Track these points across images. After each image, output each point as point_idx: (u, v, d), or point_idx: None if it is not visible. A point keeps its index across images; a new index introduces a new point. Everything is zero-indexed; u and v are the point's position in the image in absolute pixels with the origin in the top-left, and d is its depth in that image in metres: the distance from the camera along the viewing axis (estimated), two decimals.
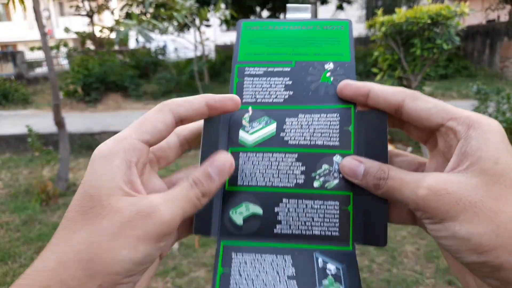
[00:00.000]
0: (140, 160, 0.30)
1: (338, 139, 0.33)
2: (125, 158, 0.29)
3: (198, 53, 10.66)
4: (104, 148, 0.29)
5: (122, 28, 3.03)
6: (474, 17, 11.25)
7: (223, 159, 0.32)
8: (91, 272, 0.25)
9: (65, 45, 13.84)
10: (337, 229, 0.32)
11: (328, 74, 0.35)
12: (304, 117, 0.34)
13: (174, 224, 0.28)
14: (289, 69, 0.36)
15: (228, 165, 0.32)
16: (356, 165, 0.32)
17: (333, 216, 0.32)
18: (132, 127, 0.31)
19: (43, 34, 3.42)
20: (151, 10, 3.85)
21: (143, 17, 3.31)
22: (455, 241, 0.26)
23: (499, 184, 0.26)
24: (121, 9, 9.05)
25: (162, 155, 0.35)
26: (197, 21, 3.82)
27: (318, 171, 0.33)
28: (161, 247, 0.28)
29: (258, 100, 0.35)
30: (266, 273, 0.31)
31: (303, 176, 0.33)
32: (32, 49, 14.46)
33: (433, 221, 0.27)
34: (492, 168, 0.26)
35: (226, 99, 0.33)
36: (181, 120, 0.32)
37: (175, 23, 3.67)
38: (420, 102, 0.31)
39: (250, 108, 0.35)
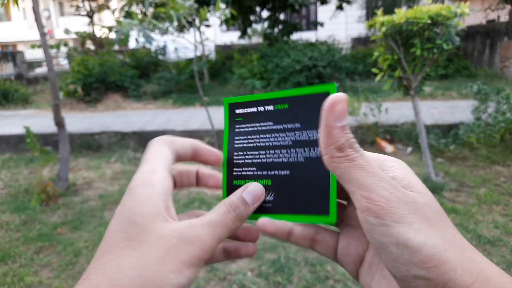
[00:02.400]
0: (170, 189, 0.33)
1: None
2: (165, 186, 0.32)
3: (198, 53, 10.66)
4: (143, 177, 0.32)
5: (123, 28, 3.01)
6: (474, 17, 11.25)
7: (256, 186, 0.35)
8: None
9: (65, 44, 13.84)
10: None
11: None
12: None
13: (214, 249, 0.31)
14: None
15: (261, 192, 0.35)
16: (345, 114, 0.29)
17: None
18: (154, 160, 0.33)
19: (43, 34, 3.42)
20: (151, 10, 3.85)
21: (143, 17, 3.31)
22: (406, 250, 0.26)
23: (434, 207, 0.28)
24: (121, 8, 9.05)
25: None
26: (197, 21, 3.82)
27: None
28: (199, 272, 0.30)
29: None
30: None
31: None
32: (33, 46, 14.46)
33: (384, 222, 0.26)
34: (425, 192, 0.29)
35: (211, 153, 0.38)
36: (178, 156, 0.36)
37: (175, 23, 3.66)
38: None
39: None
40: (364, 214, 0.28)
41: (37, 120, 6.91)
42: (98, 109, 8.18)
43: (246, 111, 0.40)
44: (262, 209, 0.37)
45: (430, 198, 0.29)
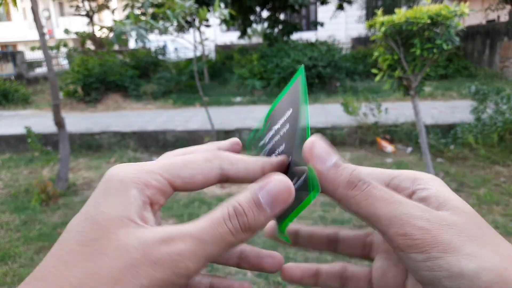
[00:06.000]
0: (160, 202, 0.25)
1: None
2: (145, 192, 0.24)
3: (198, 53, 10.66)
4: (123, 172, 0.24)
5: (118, 28, 3.03)
6: (474, 17, 11.25)
7: (280, 182, 0.24)
8: None
9: (65, 45, 13.85)
10: None
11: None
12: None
13: (195, 273, 0.22)
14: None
15: (287, 193, 0.24)
16: (329, 150, 0.26)
17: None
18: (167, 163, 0.25)
19: (42, 34, 3.42)
20: (150, 10, 3.86)
21: (142, 18, 3.31)
22: (463, 280, 0.22)
23: (478, 222, 0.25)
24: (123, 10, 9.08)
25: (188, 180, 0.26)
26: (197, 21, 3.83)
27: None
28: None
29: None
30: None
31: None
32: (33, 48, 14.47)
33: (430, 256, 0.23)
34: (464, 207, 0.25)
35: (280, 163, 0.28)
36: (227, 179, 0.27)
37: (174, 23, 3.67)
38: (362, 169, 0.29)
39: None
40: (405, 252, 0.24)
41: (37, 120, 6.91)
42: (98, 109, 8.18)
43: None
44: None
45: (470, 212, 0.25)
